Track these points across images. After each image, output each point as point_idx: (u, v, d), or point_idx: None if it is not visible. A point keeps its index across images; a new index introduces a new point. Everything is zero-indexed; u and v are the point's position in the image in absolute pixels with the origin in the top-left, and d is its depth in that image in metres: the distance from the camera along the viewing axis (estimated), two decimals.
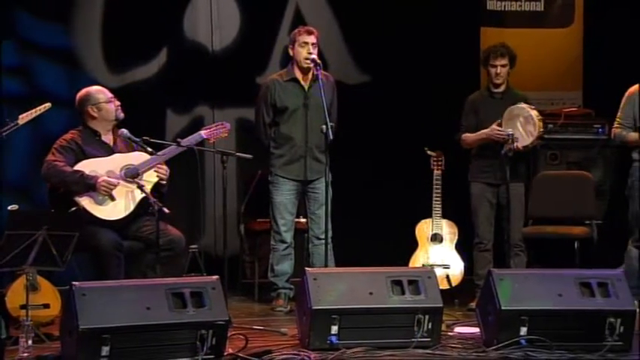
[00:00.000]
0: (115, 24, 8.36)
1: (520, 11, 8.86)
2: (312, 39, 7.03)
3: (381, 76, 8.68)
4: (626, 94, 6.95)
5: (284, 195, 7.06)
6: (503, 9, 8.84)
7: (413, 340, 5.52)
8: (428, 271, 5.81)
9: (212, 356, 5.15)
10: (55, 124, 7.53)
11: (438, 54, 8.52)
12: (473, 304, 7.00)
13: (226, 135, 6.74)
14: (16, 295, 5.93)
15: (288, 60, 8.21)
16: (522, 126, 6.93)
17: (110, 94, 6.55)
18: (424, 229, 7.41)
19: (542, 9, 8.87)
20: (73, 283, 5.08)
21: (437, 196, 7.35)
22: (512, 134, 6.80)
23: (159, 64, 8.53)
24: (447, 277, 7.17)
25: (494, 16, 8.83)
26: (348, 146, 7.20)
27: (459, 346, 5.62)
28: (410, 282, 5.63)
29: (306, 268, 5.76)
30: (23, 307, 5.73)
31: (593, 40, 8.80)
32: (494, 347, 5.42)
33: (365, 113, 8.21)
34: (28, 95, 8.23)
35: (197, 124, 8.61)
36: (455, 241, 7.41)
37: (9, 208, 6.10)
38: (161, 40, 8.55)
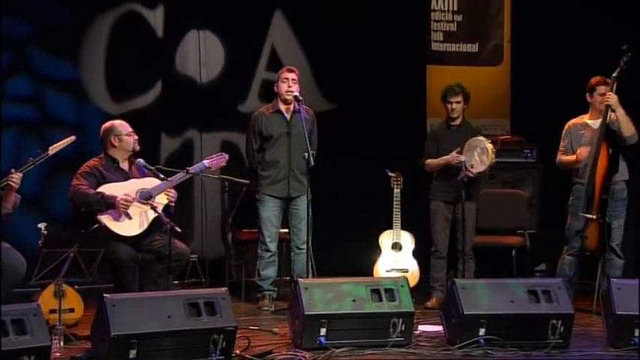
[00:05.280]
0: (117, 60, 8.24)
1: (459, 52, 8.93)
2: (292, 75, 7.04)
3: (344, 105, 8.67)
4: (566, 127, 6.93)
5: (269, 211, 7.03)
6: (445, 50, 8.90)
7: (389, 339, 5.52)
8: (401, 280, 5.79)
9: (223, 357, 5.11)
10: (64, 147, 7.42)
11: (393, 86, 8.55)
12: (429, 303, 7.10)
13: (225, 164, 6.68)
14: (45, 301, 5.82)
15: (265, 91, 8.27)
16: (479, 155, 6.94)
17: (130, 129, 6.47)
18: (386, 238, 7.42)
19: (477, 50, 8.96)
20: (105, 295, 5.01)
21: (397, 211, 7.34)
22: (464, 162, 6.84)
23: (154, 95, 8.45)
24: (406, 279, 7.17)
25: (438, 55, 8.89)
26: (317, 167, 7.16)
27: (428, 344, 5.63)
28: (386, 290, 5.63)
29: (299, 279, 5.76)
30: (52, 311, 5.71)
31: (518, 77, 8.91)
32: (458, 346, 5.44)
33: (330, 137, 8.19)
34: (40, 121, 8.11)
35: (187, 146, 8.61)
36: (412, 249, 7.41)
37: (39, 225, 6.03)
38: (156, 73, 8.47)
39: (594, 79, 6.77)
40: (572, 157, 6.74)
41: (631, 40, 6.65)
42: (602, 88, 6.70)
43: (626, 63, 6.54)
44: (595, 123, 6.77)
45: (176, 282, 7.03)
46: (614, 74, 6.58)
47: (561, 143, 6.92)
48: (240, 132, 8.14)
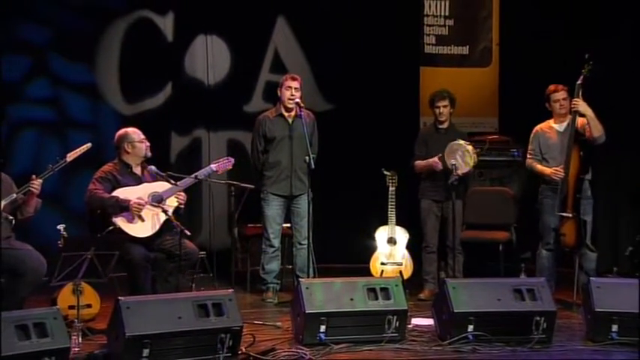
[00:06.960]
0: (130, 63, 8.28)
1: (450, 54, 8.86)
2: (295, 84, 7.01)
3: (343, 105, 8.66)
4: (533, 131, 6.95)
5: (273, 209, 7.03)
6: (437, 52, 8.83)
7: (384, 335, 5.54)
8: (396, 279, 5.80)
9: (229, 354, 5.13)
10: (80, 145, 7.40)
11: (388, 87, 8.52)
12: (422, 295, 7.12)
13: (231, 167, 6.67)
14: (65, 298, 5.90)
15: (269, 92, 8.24)
16: (461, 158, 6.94)
17: (143, 136, 6.45)
18: (382, 233, 7.40)
19: (468, 52, 8.89)
20: (119, 297, 5.04)
21: (392, 207, 7.32)
22: (455, 164, 6.84)
23: (165, 96, 8.49)
24: (400, 272, 7.21)
25: (430, 58, 8.83)
26: (317, 164, 7.14)
27: (421, 339, 5.64)
28: (382, 289, 5.64)
29: (300, 279, 5.77)
30: (71, 307, 5.74)
31: (506, 78, 8.85)
32: (448, 341, 5.46)
33: (329, 136, 8.16)
34: (59, 122, 8.15)
35: (195, 144, 8.62)
36: (406, 244, 7.40)
37: (58, 227, 6.04)
38: (167, 76, 8.50)
39: (548, 89, 6.86)
40: (547, 171, 6.74)
41: (593, 49, 6.64)
42: (555, 95, 6.80)
43: (589, 71, 6.57)
44: (560, 126, 6.84)
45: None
46: (578, 82, 6.60)
47: (529, 147, 6.96)
48: (245, 131, 8.16)
